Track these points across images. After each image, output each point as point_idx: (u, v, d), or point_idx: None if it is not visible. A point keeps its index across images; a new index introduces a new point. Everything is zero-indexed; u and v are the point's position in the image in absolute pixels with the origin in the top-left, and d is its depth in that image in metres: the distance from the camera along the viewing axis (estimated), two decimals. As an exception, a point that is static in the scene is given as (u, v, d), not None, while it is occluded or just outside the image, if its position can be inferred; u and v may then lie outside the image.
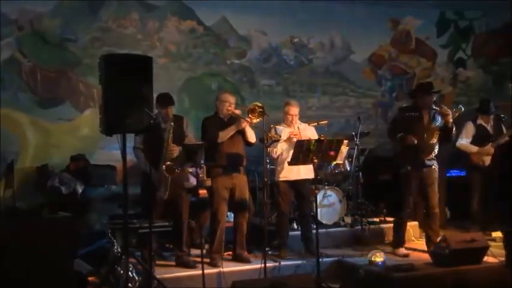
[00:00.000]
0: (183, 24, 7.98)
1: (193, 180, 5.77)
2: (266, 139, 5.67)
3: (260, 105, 5.55)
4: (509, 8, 8.94)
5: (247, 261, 5.73)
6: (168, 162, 5.33)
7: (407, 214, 6.20)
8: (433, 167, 6.06)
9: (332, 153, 5.43)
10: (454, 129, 6.00)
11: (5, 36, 7.01)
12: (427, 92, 6.08)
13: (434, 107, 6.00)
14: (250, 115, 5.57)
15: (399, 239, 6.25)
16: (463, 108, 6.08)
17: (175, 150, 5.42)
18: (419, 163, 6.00)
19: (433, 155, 6.05)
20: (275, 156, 6.08)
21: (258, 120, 5.53)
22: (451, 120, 5.88)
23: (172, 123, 5.37)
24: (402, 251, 6.15)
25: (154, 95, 5.06)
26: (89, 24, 7.47)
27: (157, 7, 7.86)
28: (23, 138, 7.10)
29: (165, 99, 5.59)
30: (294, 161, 5.47)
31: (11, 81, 7.05)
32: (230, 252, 5.95)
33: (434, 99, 6.08)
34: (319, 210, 6.15)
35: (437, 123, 6.00)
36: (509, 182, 6.76)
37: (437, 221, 6.18)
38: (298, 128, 6.15)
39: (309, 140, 5.45)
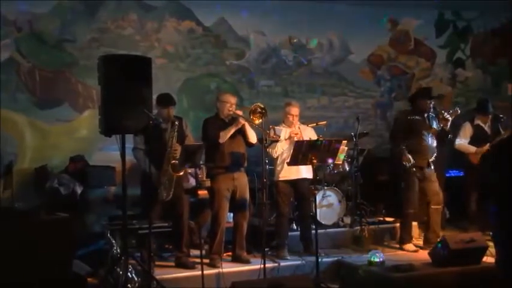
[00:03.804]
0: (181, 24, 7.95)
1: (192, 181, 5.78)
2: (265, 139, 5.66)
3: (262, 106, 5.53)
4: (507, 8, 8.95)
5: (247, 262, 5.73)
6: (174, 161, 5.32)
7: (412, 214, 6.29)
8: (432, 167, 6.28)
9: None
10: (449, 133, 6.30)
11: (3, 37, 6.97)
12: (427, 97, 6.24)
13: (431, 112, 6.20)
14: (251, 116, 5.56)
15: (407, 234, 6.34)
16: (459, 111, 6.18)
17: (178, 150, 5.42)
18: (423, 165, 6.20)
19: (434, 157, 6.27)
20: (275, 156, 6.09)
21: (260, 121, 5.51)
22: (449, 124, 6.16)
23: (176, 123, 5.38)
24: (411, 246, 6.24)
25: (154, 96, 5.06)
26: (87, 25, 7.44)
27: (156, 8, 7.83)
28: (21, 139, 7.07)
29: (166, 99, 5.59)
30: (293, 162, 5.48)
31: (9, 82, 7.02)
32: (229, 253, 5.94)
33: (432, 104, 6.23)
34: (318, 210, 6.14)
35: (435, 127, 6.21)
36: None
37: (438, 219, 6.28)
38: (299, 128, 6.16)
39: (308, 141, 5.49)
